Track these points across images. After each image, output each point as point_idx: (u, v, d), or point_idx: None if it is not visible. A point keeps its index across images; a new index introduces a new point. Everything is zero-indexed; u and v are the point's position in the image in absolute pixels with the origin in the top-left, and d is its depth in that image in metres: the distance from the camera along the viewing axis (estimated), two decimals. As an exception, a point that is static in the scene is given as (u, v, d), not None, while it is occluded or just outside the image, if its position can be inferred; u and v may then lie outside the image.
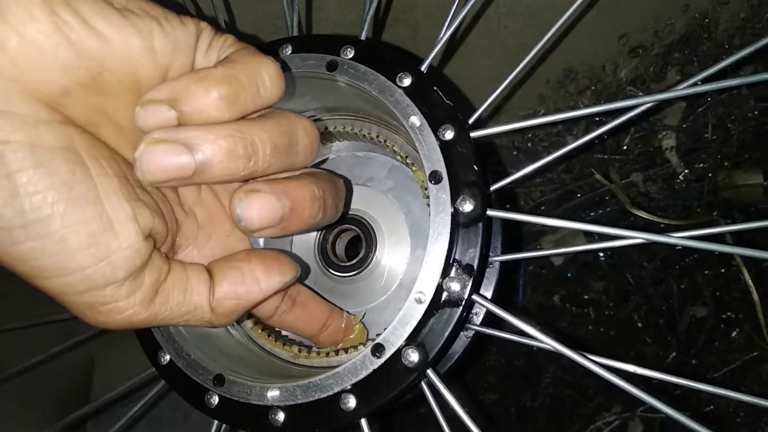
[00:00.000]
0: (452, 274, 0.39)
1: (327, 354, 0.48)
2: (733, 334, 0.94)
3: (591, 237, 0.97)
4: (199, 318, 0.35)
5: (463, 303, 0.39)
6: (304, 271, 0.50)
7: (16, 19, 0.26)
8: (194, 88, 0.29)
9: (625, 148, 0.94)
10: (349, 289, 0.52)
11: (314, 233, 0.54)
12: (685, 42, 0.89)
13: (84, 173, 0.29)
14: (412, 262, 0.51)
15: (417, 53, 0.83)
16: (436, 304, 0.39)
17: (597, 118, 0.92)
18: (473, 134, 0.42)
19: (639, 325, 0.98)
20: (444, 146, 0.41)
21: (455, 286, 0.39)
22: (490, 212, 0.40)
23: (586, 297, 1.03)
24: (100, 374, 0.96)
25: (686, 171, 0.92)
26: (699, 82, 0.45)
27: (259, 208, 0.32)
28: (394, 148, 0.50)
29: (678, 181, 0.92)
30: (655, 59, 0.90)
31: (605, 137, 0.96)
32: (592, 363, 0.37)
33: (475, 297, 0.39)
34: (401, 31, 0.81)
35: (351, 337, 0.49)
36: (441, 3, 0.80)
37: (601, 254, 1.00)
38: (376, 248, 0.52)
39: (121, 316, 0.32)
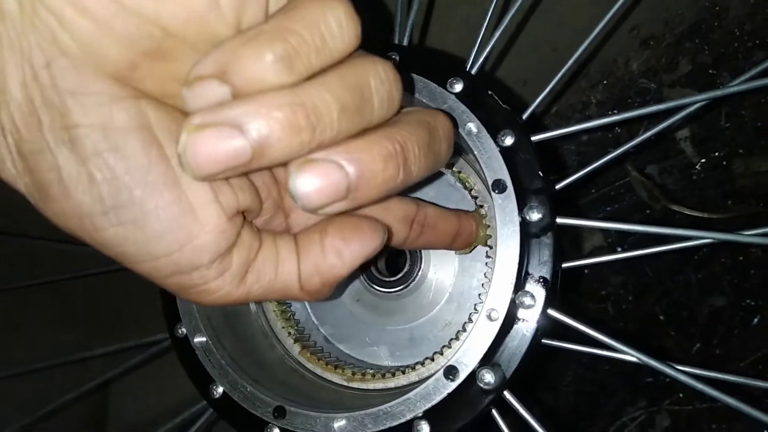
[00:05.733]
0: (526, 288, 0.37)
1: (383, 375, 0.46)
2: (755, 321, 0.94)
3: (607, 234, 0.96)
4: (291, 296, 0.32)
5: (540, 318, 0.37)
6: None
7: None
8: (243, 52, 0.24)
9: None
10: (395, 305, 0.50)
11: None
12: (696, 31, 0.88)
13: (160, 154, 0.27)
14: (461, 274, 0.49)
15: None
16: (510, 321, 0.37)
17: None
18: (534, 138, 0.40)
19: (661, 318, 0.97)
20: (505, 153, 0.39)
21: (529, 301, 0.37)
22: (559, 220, 0.38)
23: (603, 292, 1.02)
24: (115, 400, 0.93)
25: (702, 160, 0.91)
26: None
27: (316, 181, 0.26)
28: (439, 156, 0.48)
29: (695, 171, 0.91)
30: (666, 50, 0.89)
31: (618, 129, 0.95)
32: (685, 376, 0.35)
33: (551, 312, 0.37)
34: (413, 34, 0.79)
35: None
36: (451, 2, 0.78)
37: (618, 248, 0.99)
38: (421, 261, 0.50)
39: (213, 297, 0.30)
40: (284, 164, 0.26)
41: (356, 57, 0.27)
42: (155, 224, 0.27)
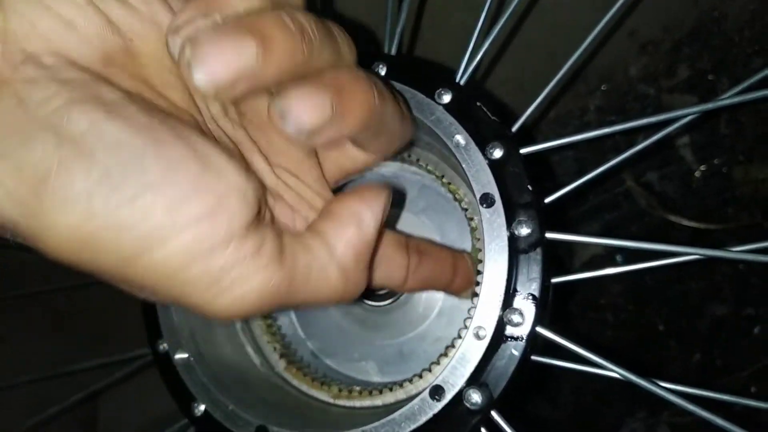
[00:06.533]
0: (514, 305, 0.36)
1: (370, 393, 0.45)
2: (756, 330, 0.93)
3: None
4: (331, 286, 0.29)
5: (528, 336, 0.36)
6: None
7: None
8: None
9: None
10: (384, 319, 0.49)
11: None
12: (695, 36, 0.87)
13: (161, 116, 0.24)
14: (451, 287, 0.48)
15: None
16: (498, 340, 0.36)
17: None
18: (523, 151, 0.39)
19: (660, 328, 0.96)
20: (493, 166, 0.38)
21: (518, 319, 0.36)
22: (549, 235, 0.37)
23: (602, 301, 1.00)
24: (105, 410, 0.92)
25: (702, 167, 0.90)
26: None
27: (304, 100, 0.24)
28: (428, 167, 0.47)
29: (695, 178, 0.90)
30: (665, 55, 0.88)
31: (616, 138, 0.94)
32: (671, 394, 0.34)
33: (540, 330, 0.36)
34: (403, 39, 0.78)
35: None
36: (441, 5, 0.77)
37: (618, 257, 0.98)
38: (411, 274, 0.48)
39: (249, 288, 0.25)
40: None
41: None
42: (169, 187, 0.23)
